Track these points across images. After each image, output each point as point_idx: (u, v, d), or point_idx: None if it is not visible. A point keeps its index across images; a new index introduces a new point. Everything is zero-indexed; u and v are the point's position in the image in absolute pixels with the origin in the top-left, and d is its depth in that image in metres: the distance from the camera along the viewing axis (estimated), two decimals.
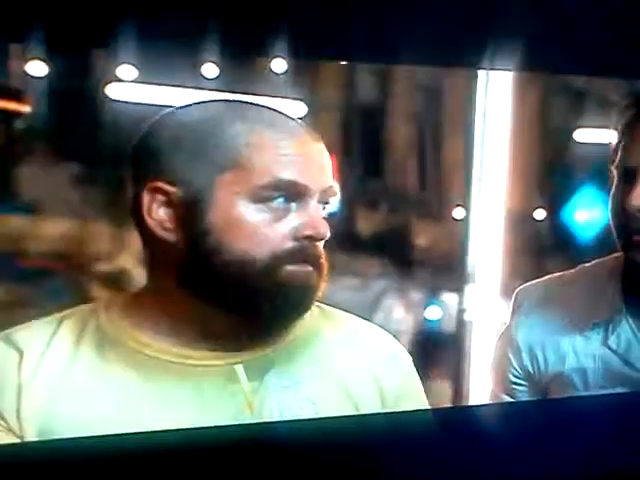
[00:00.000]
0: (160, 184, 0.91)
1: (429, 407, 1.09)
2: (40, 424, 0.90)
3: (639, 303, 1.25)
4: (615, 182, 1.21)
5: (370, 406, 1.00)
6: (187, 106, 0.96)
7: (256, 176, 0.90)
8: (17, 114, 3.36)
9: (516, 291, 1.38)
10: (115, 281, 3.20)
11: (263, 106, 0.95)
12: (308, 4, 1.07)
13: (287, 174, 0.90)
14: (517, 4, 1.07)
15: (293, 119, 0.95)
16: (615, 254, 1.31)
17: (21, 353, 0.93)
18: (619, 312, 1.25)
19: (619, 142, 1.21)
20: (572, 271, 1.36)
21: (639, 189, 1.15)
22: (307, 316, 0.98)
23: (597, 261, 1.34)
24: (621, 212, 1.17)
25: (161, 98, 3.07)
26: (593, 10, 1.07)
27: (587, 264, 1.36)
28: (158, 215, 0.91)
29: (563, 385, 1.27)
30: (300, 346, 0.99)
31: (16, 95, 3.31)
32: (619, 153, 1.20)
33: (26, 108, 3.29)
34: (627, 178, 1.17)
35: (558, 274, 1.37)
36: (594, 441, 0.84)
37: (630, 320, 1.24)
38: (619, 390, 1.22)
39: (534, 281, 1.38)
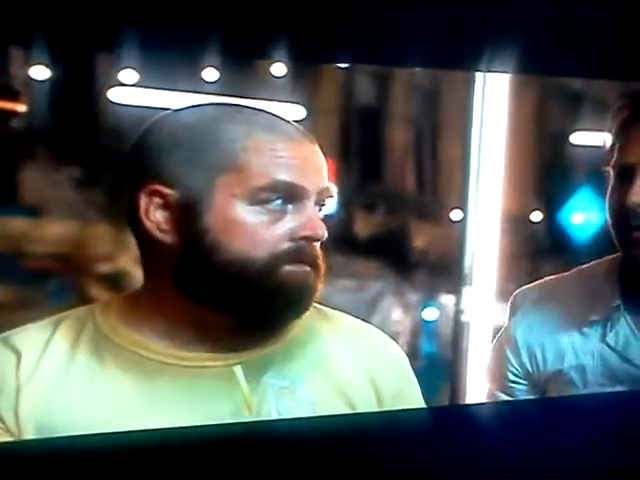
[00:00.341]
0: (157, 187, 0.92)
1: (425, 406, 1.10)
2: (38, 425, 0.91)
3: (637, 300, 1.26)
4: (612, 181, 1.23)
5: (366, 406, 1.00)
6: (184, 109, 0.97)
7: (254, 178, 0.91)
8: (20, 117, 3.36)
9: (514, 294, 1.39)
10: (116, 282, 3.20)
11: (259, 109, 0.97)
12: (307, 8, 1.07)
13: (284, 176, 0.91)
14: (514, 6, 1.08)
15: (288, 122, 0.96)
16: (611, 255, 1.33)
17: (19, 355, 0.94)
18: (617, 309, 1.26)
19: (615, 142, 1.23)
20: (569, 273, 1.38)
21: (638, 185, 1.17)
22: (305, 317, 0.99)
23: (594, 262, 1.36)
24: (620, 209, 1.19)
25: (162, 101, 3.07)
26: (588, 12, 1.08)
27: (583, 265, 1.37)
28: (155, 217, 0.92)
29: (562, 383, 1.28)
30: (298, 347, 1.00)
31: (19, 98, 3.31)
32: (615, 152, 1.22)
33: (29, 111, 3.29)
34: (625, 176, 1.19)
35: (555, 276, 1.39)
36: (592, 439, 0.84)
37: (628, 317, 1.26)
38: (618, 387, 1.23)
39: (531, 284, 1.39)
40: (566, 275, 1.38)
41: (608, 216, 1.23)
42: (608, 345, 1.26)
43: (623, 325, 1.26)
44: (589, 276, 1.34)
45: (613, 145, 1.23)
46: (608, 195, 1.23)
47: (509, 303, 1.39)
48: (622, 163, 1.20)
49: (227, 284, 0.92)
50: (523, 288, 1.39)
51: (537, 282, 1.39)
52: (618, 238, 1.22)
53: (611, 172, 1.23)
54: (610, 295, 1.28)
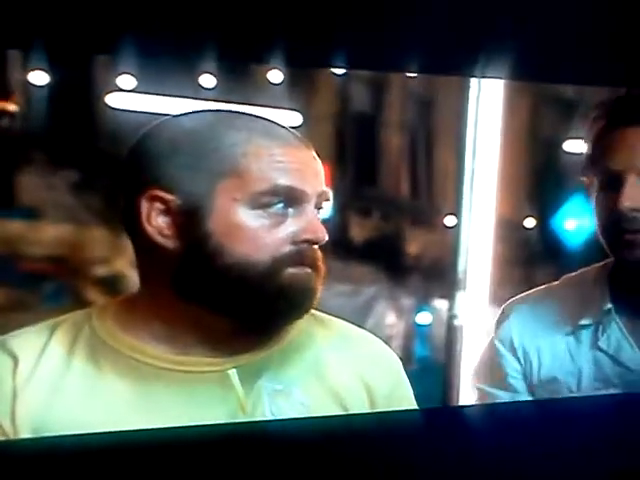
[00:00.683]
0: (158, 192, 0.92)
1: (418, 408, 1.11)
2: (34, 430, 0.91)
3: (627, 303, 1.27)
4: (598, 188, 1.25)
5: (360, 410, 1.01)
6: (182, 115, 0.97)
7: (255, 183, 0.91)
8: (17, 120, 3.36)
9: (503, 306, 1.40)
10: (113, 285, 3.21)
11: (256, 116, 0.97)
12: (303, 14, 1.08)
13: (284, 180, 0.92)
14: (510, 13, 1.09)
15: (285, 127, 0.97)
16: (599, 263, 1.35)
17: (16, 359, 0.94)
18: (608, 313, 1.27)
19: (593, 152, 1.25)
20: (557, 282, 1.39)
21: (628, 190, 1.18)
22: (301, 321, 0.99)
23: (581, 270, 1.37)
24: (611, 214, 1.20)
25: (160, 107, 3.08)
26: (586, 18, 1.09)
27: (571, 274, 1.39)
28: (157, 222, 0.92)
29: (556, 388, 1.28)
30: (293, 351, 1.01)
31: (13, 98, 3.31)
32: (599, 161, 1.24)
33: (28, 116, 3.29)
34: (612, 183, 1.20)
35: (543, 286, 1.40)
36: (585, 441, 0.85)
37: (619, 321, 1.27)
38: (612, 391, 1.24)
39: (522, 294, 1.40)
40: (554, 285, 1.39)
41: (597, 222, 1.24)
42: (600, 349, 1.27)
43: (614, 329, 1.27)
44: (578, 283, 1.35)
45: (591, 155, 1.26)
46: (596, 202, 1.25)
47: (499, 313, 1.39)
48: (608, 171, 1.21)
49: (229, 288, 0.92)
50: (514, 298, 1.39)
51: (527, 292, 1.40)
52: (609, 242, 1.24)
53: (595, 180, 1.25)
54: (600, 299, 1.29)
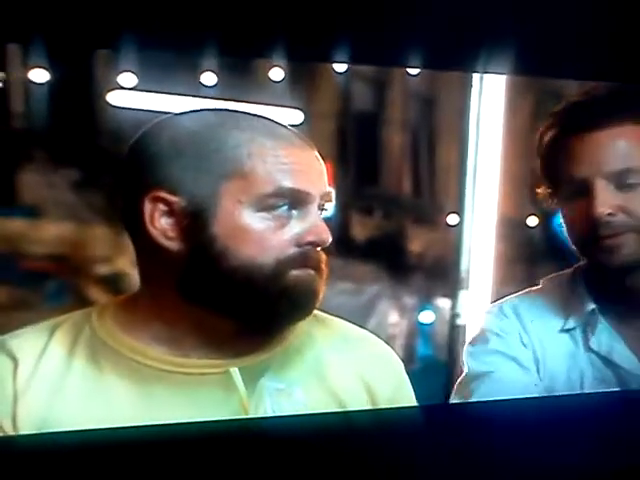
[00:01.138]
0: (161, 193, 0.92)
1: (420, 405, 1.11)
2: (36, 431, 0.90)
3: (611, 304, 1.29)
4: (563, 198, 1.25)
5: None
6: (182, 114, 0.97)
7: (260, 185, 0.91)
8: (19, 119, 3.36)
9: (487, 310, 1.39)
10: (115, 284, 3.20)
11: (259, 116, 0.97)
12: (305, 9, 1.08)
13: (290, 182, 0.92)
14: (512, 8, 1.09)
15: (287, 127, 0.97)
16: (569, 269, 1.35)
17: (16, 361, 0.94)
18: (592, 314, 1.28)
19: (551, 161, 1.25)
20: (539, 287, 1.39)
21: (599, 196, 1.18)
22: (303, 322, 1.00)
23: (557, 274, 1.37)
24: (586, 222, 1.20)
25: (161, 104, 3.07)
26: (587, 13, 1.09)
27: (550, 276, 1.39)
28: (161, 224, 0.92)
29: (558, 387, 1.27)
30: (295, 351, 1.01)
31: (18, 101, 3.31)
32: (560, 170, 1.23)
33: (28, 113, 3.29)
34: (579, 191, 1.21)
35: (524, 291, 1.39)
36: (586, 440, 0.86)
37: (604, 321, 1.28)
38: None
39: (506, 298, 1.39)
40: (535, 289, 1.38)
41: (569, 232, 1.25)
42: (592, 350, 1.27)
43: (602, 329, 1.27)
44: (558, 285, 1.35)
45: (547, 166, 1.25)
46: (564, 213, 1.25)
47: (490, 312, 1.38)
48: (573, 179, 1.21)
49: (234, 290, 0.92)
50: (506, 298, 1.38)
51: (516, 294, 1.39)
52: (585, 249, 1.24)
53: (552, 191, 1.25)
54: (583, 301, 1.29)
